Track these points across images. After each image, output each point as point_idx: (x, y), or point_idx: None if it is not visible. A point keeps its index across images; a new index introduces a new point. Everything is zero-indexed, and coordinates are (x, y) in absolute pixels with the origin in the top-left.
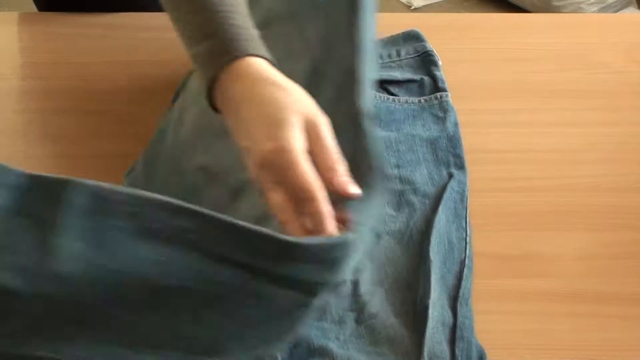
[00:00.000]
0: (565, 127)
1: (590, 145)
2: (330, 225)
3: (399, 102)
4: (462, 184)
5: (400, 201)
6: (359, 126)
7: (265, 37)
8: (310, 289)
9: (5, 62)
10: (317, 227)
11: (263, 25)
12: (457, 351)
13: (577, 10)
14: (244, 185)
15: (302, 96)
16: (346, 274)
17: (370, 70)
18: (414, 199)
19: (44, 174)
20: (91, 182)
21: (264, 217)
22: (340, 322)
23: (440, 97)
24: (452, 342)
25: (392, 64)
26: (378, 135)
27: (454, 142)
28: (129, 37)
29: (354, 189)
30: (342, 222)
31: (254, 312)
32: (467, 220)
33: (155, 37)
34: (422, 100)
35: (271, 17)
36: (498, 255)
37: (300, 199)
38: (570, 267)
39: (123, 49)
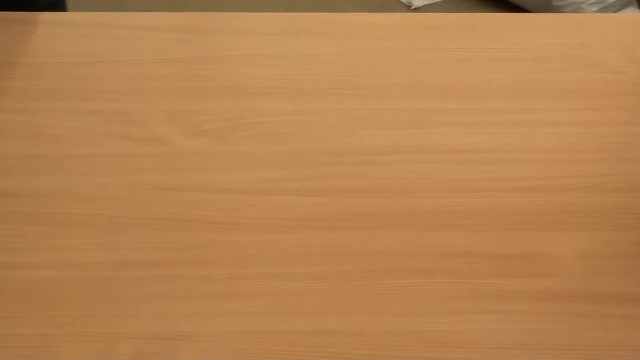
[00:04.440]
0: (565, 127)
1: (590, 145)
2: None
3: None
4: None
5: None
6: None
7: None
8: None
9: (5, 62)
10: None
11: None
12: None
13: (577, 10)
14: None
15: None
16: None
17: None
18: None
19: None
20: None
21: None
22: None
23: None
24: None
25: None
26: None
27: None
28: (129, 37)
29: None
30: None
31: None
32: None
33: (156, 37)
34: None
35: None
36: (498, 255)
37: None
38: (570, 267)
39: (123, 49)
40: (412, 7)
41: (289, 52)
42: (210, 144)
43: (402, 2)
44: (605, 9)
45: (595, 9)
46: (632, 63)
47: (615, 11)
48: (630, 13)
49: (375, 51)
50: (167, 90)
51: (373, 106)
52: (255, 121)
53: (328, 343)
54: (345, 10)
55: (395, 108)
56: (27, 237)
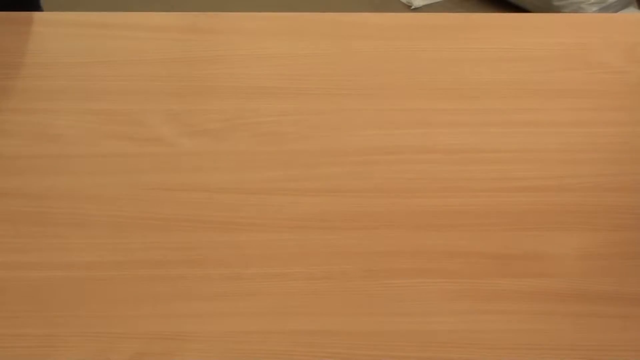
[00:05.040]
0: (565, 127)
1: (590, 145)
2: None
3: None
4: None
5: None
6: None
7: None
8: None
9: (5, 62)
10: None
11: None
12: None
13: (577, 10)
14: None
15: None
16: None
17: None
18: None
19: None
20: None
21: None
22: None
23: None
24: None
25: None
26: None
27: None
28: (129, 37)
29: None
30: None
31: None
32: None
33: (156, 37)
34: None
35: None
36: (498, 255)
37: None
38: (571, 267)
39: (123, 49)
40: (412, 7)
41: (289, 52)
42: (210, 144)
43: (402, 2)
44: (605, 9)
45: (595, 9)
46: (632, 63)
47: (615, 11)
48: (630, 13)
49: (375, 51)
50: (167, 90)
51: (373, 106)
52: (255, 121)
53: (328, 343)
54: (345, 10)
55: (395, 108)
56: (27, 237)
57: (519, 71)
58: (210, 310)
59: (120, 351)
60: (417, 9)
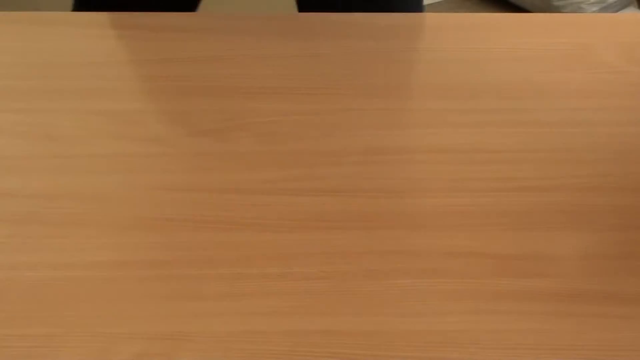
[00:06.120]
0: (565, 127)
1: (590, 145)
2: None
3: None
4: None
5: None
6: None
7: None
8: None
9: (5, 61)
10: None
11: None
12: None
13: (577, 10)
14: None
15: None
16: None
17: None
18: None
19: None
20: None
21: None
22: None
23: None
24: None
25: None
26: None
27: None
28: (129, 37)
29: None
30: None
31: None
32: None
33: (156, 37)
34: None
35: None
36: (498, 255)
37: None
38: (571, 267)
39: (123, 49)
40: None
41: (289, 52)
42: (210, 144)
43: None
44: (605, 9)
45: (595, 9)
46: (632, 63)
47: (615, 11)
48: (630, 13)
49: (375, 51)
50: (167, 90)
51: (373, 106)
52: (255, 121)
53: (328, 343)
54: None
55: (396, 108)
56: (27, 237)
57: (519, 71)
58: (210, 310)
59: (120, 351)
60: None
